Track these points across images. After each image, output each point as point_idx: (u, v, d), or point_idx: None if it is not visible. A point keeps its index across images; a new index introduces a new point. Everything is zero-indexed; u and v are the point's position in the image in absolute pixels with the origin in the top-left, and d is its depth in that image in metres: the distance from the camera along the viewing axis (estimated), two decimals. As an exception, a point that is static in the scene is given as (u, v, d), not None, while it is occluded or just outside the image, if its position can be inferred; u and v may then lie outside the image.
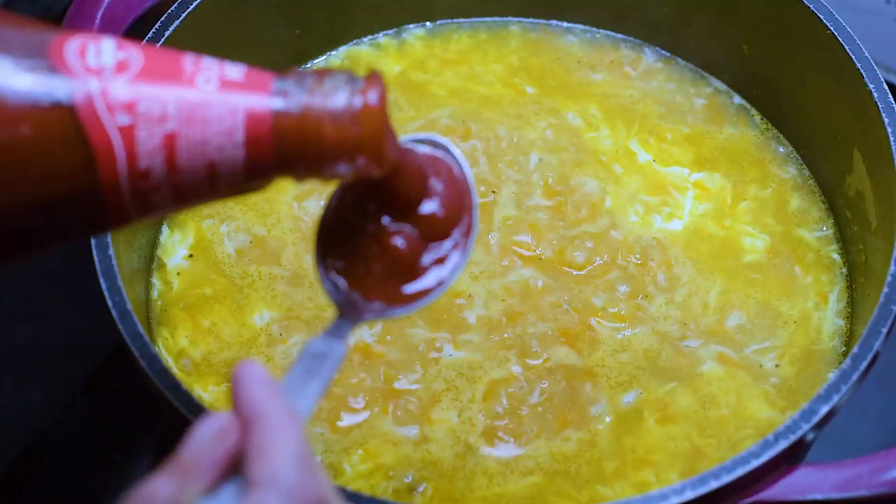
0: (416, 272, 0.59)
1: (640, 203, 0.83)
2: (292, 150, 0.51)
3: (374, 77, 0.53)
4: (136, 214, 0.50)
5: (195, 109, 0.49)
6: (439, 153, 0.61)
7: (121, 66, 0.49)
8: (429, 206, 0.59)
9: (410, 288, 0.59)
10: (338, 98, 0.51)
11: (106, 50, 0.49)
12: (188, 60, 0.51)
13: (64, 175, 0.48)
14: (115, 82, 0.49)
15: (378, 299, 0.58)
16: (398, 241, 0.58)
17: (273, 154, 0.51)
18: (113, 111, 0.48)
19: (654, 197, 0.84)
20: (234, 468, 0.48)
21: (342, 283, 0.59)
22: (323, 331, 0.57)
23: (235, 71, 0.51)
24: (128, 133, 0.48)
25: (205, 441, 0.48)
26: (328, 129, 0.51)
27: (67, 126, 0.48)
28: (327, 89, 0.52)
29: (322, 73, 0.52)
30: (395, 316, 0.59)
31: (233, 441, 0.48)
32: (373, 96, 0.52)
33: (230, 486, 0.48)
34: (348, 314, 0.58)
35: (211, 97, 0.50)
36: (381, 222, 0.59)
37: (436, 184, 0.60)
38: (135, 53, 0.50)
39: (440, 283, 0.59)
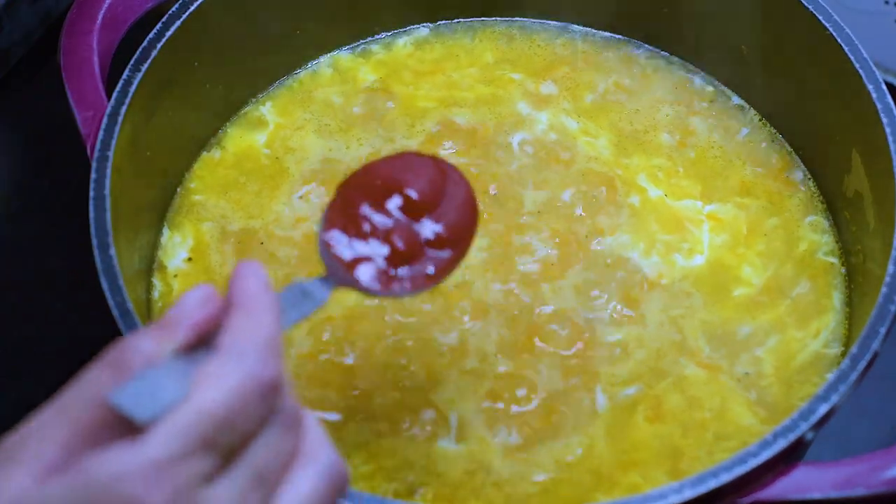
0: (398, 266, 0.63)
1: (660, 242, 0.83)
2: None
3: None
4: None
5: None
6: (455, 173, 0.66)
7: None
8: (437, 226, 0.64)
9: (393, 284, 0.63)
10: None
11: None
12: None
13: None
14: None
15: (359, 277, 0.62)
16: (398, 242, 0.62)
17: None
18: None
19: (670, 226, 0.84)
20: (211, 341, 0.51)
21: (334, 250, 0.62)
22: (314, 277, 0.61)
23: None
24: None
25: (187, 306, 0.52)
26: None
27: None
28: None
29: None
30: (369, 293, 0.63)
31: (213, 308, 0.52)
32: None
33: (201, 352, 0.51)
34: (332, 275, 0.61)
35: None
36: (392, 217, 0.63)
37: (450, 205, 0.64)
38: None
39: (423, 286, 0.63)
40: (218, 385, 0.48)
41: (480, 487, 0.72)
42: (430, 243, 0.64)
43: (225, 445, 0.48)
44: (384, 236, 0.63)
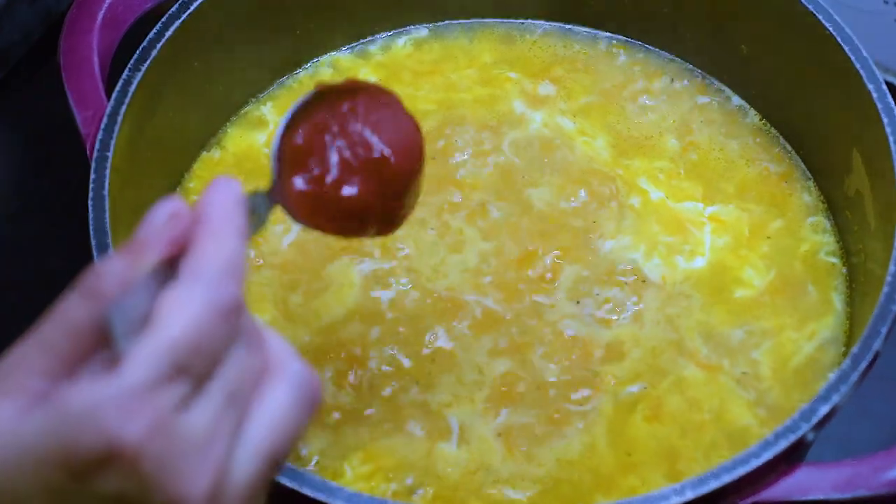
0: (340, 215, 0.61)
1: (662, 244, 0.83)
2: None
3: None
4: None
5: None
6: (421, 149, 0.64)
7: None
8: (397, 188, 0.62)
9: (327, 222, 0.61)
10: None
11: None
12: None
13: None
14: None
15: (296, 203, 0.60)
16: (350, 190, 0.61)
17: None
18: None
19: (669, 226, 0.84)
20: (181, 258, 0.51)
21: (284, 158, 0.60)
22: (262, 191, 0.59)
23: None
24: None
25: (156, 224, 0.51)
26: None
27: None
28: None
29: None
30: (297, 220, 0.61)
31: (181, 224, 0.51)
32: None
33: (173, 270, 0.51)
34: (275, 190, 0.60)
35: None
36: (359, 166, 0.60)
37: (414, 176, 0.63)
38: None
39: (350, 233, 0.63)
40: (183, 312, 0.48)
41: (480, 487, 0.72)
42: (380, 197, 0.62)
43: (195, 370, 0.49)
44: (343, 172, 0.60)
